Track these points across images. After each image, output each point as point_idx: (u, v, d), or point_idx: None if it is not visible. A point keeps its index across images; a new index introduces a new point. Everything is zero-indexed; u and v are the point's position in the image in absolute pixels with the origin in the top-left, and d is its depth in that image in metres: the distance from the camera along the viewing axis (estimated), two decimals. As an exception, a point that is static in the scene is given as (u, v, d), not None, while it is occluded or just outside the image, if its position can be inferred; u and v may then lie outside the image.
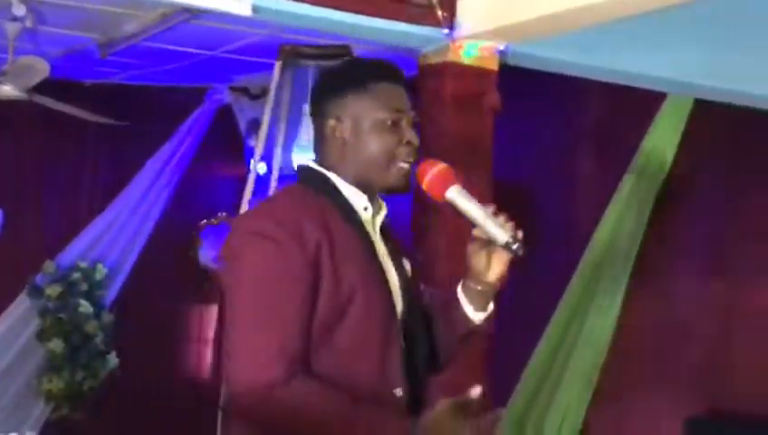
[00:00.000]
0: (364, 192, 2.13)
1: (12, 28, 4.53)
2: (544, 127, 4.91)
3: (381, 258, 2.13)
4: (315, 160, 2.17)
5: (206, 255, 6.27)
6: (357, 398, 1.95)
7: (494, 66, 3.29)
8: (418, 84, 3.35)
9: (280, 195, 2.48)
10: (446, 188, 2.06)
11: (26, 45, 4.84)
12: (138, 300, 6.10)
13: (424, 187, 2.09)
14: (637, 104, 4.33)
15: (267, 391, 1.89)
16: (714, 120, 4.29)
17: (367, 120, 2.11)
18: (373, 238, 2.13)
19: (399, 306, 2.12)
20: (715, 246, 4.55)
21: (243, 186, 5.76)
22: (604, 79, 3.54)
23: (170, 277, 6.29)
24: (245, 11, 2.76)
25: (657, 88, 3.90)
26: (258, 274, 1.98)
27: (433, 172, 2.08)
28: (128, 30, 4.73)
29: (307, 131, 3.64)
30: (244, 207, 3.74)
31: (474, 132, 3.31)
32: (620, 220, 4.50)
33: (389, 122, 2.10)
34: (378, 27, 3.08)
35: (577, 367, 4.52)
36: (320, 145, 2.17)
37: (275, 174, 3.70)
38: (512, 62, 3.35)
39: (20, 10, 4.35)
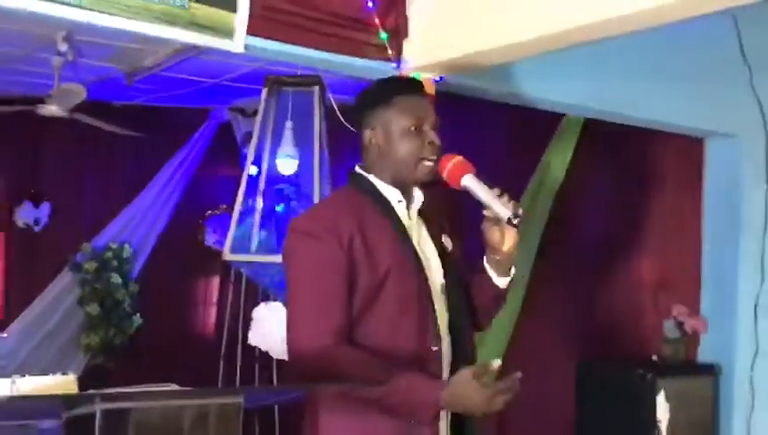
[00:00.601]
0: (398, 187, 2.09)
1: (57, 61, 4.47)
2: (469, 142, 4.89)
3: (417, 240, 2.09)
4: (360, 165, 2.15)
5: (211, 238, 6.22)
6: (393, 363, 1.93)
7: (431, 92, 3.25)
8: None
9: (328, 197, 2.49)
10: (462, 176, 2.03)
11: (68, 74, 4.76)
12: (157, 273, 6.05)
13: (444, 177, 2.05)
14: (540, 123, 4.31)
15: (318, 356, 1.89)
16: (599, 136, 4.29)
17: (395, 128, 2.07)
18: (408, 225, 2.08)
19: (439, 278, 2.09)
20: (601, 236, 4.58)
21: (239, 184, 5.74)
22: (515, 103, 3.51)
23: (182, 255, 6.25)
24: (239, 49, 2.73)
25: (556, 110, 3.88)
26: (307, 266, 1.98)
27: (451, 164, 2.05)
28: (148, 62, 4.67)
29: (288, 142, 3.61)
30: (240, 200, 3.69)
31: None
32: (528, 213, 4.49)
33: (413, 128, 2.07)
34: (341, 62, 3.04)
35: (497, 323, 4.50)
36: (362, 152, 2.15)
37: (264, 175, 3.66)
38: (444, 89, 3.32)
39: (63, 46, 4.29)
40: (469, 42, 2.93)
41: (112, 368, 5.75)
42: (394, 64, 3.10)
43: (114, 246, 5.87)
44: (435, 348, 2.01)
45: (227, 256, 3.63)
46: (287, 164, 3.59)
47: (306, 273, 1.97)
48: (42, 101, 4.78)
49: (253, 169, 3.88)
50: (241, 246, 3.55)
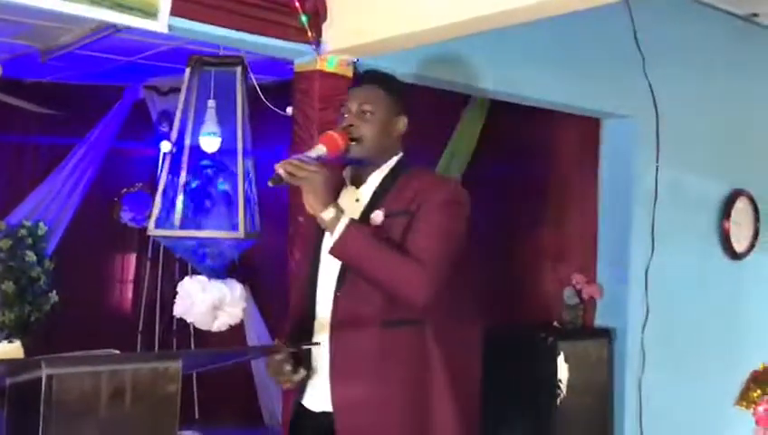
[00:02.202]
0: (358, 169, 2.26)
1: (-31, 38, 4.33)
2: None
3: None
4: None
5: (126, 216, 6.13)
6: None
7: (348, 74, 3.32)
8: (293, 85, 3.36)
9: None
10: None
11: (-20, 52, 4.63)
12: (72, 251, 5.92)
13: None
14: (450, 104, 4.42)
15: None
16: (504, 116, 4.43)
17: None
18: (347, 204, 2.16)
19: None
20: (506, 210, 4.73)
21: (154, 162, 5.68)
22: (427, 84, 3.61)
23: (97, 233, 6.14)
24: (163, 29, 2.74)
25: (463, 91, 4.00)
26: None
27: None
28: (64, 40, 4.56)
29: (211, 120, 3.61)
30: (163, 176, 3.68)
31: (334, 123, 3.31)
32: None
33: (345, 113, 2.25)
34: (263, 43, 3.08)
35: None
36: None
37: (186, 152, 3.66)
38: (361, 70, 3.39)
39: (-21, 22, 4.15)
40: (381, 27, 3.03)
41: (29, 345, 5.62)
42: (314, 47, 3.16)
43: (28, 224, 5.72)
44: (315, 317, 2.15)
45: (152, 231, 3.62)
46: (210, 141, 3.60)
47: None
48: (-47, 78, 4.63)
49: (166, 146, 3.85)
50: (164, 221, 3.55)
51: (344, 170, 2.26)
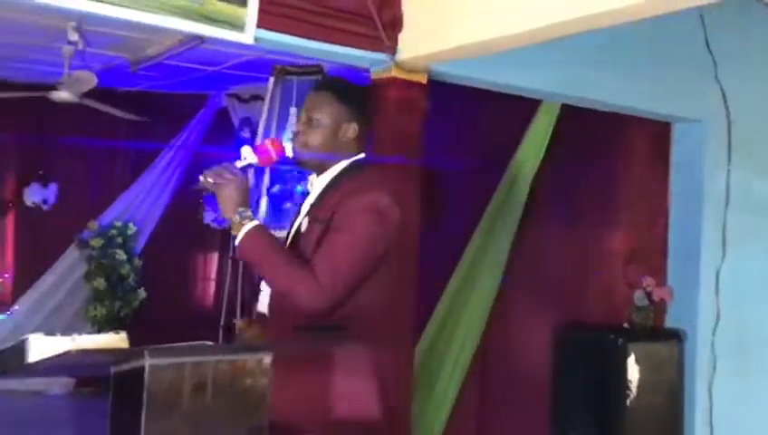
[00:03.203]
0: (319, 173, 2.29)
1: (67, 50, 4.51)
2: (458, 125, 4.98)
3: (300, 213, 2.26)
4: None
5: (209, 216, 6.29)
6: None
7: (423, 81, 3.34)
8: (370, 93, 3.39)
9: None
10: None
11: (76, 62, 4.81)
12: (159, 249, 6.12)
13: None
14: (520, 108, 4.40)
15: None
16: (574, 120, 4.39)
17: None
18: (304, 208, 2.26)
19: None
20: (577, 213, 4.69)
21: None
22: (498, 89, 3.61)
23: (182, 233, 6.32)
24: (250, 40, 2.82)
25: (534, 96, 3.99)
26: None
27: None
28: (152, 51, 4.72)
29: (293, 126, 3.68)
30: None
31: (409, 129, 3.37)
32: (509, 190, 4.58)
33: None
34: (342, 53, 3.13)
35: (479, 296, 4.59)
36: None
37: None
38: (435, 78, 3.42)
39: (74, 36, 4.33)
40: (455, 35, 3.04)
41: (120, 338, 5.82)
42: (390, 55, 3.20)
43: (119, 224, 5.94)
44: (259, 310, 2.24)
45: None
46: (291, 147, 3.67)
47: None
48: (51, 87, 4.82)
49: (247, 152, 3.92)
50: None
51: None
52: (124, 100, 5.76)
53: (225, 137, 6.19)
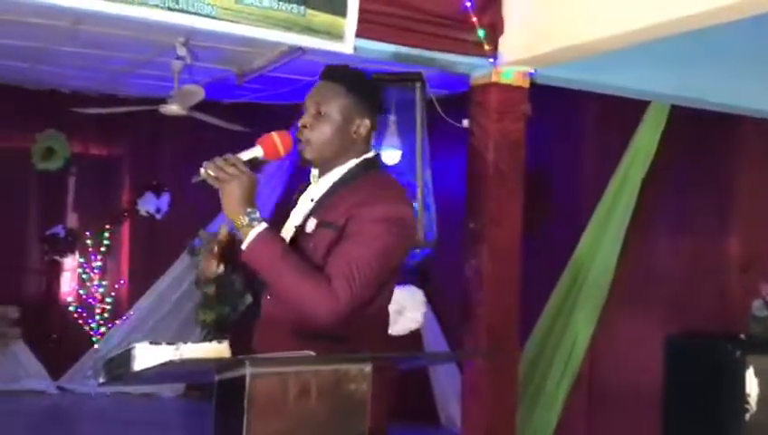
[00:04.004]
0: (319, 167, 2.04)
1: (176, 65, 4.67)
2: (561, 130, 4.87)
3: (297, 209, 2.04)
4: None
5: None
6: None
7: (525, 84, 3.28)
8: (470, 98, 3.36)
9: None
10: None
11: (184, 76, 4.97)
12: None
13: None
14: (628, 109, 4.26)
15: None
16: (685, 122, 4.23)
17: None
18: (301, 206, 2.03)
19: None
20: (688, 218, 4.50)
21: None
22: (603, 92, 3.50)
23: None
24: (349, 50, 2.82)
25: (643, 97, 3.85)
26: None
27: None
28: (257, 64, 4.82)
29: (392, 135, 3.68)
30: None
31: (511, 133, 3.31)
32: (617, 194, 4.44)
33: (303, 111, 2.02)
34: (442, 59, 3.11)
35: (586, 302, 4.49)
36: None
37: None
38: (538, 81, 3.34)
39: (182, 51, 4.48)
40: (558, 38, 2.97)
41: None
42: (490, 60, 3.15)
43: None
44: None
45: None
46: (391, 155, 3.67)
47: None
48: (162, 100, 5.00)
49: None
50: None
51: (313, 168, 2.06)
52: (230, 111, 5.90)
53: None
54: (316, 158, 1.98)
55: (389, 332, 3.42)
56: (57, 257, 6.27)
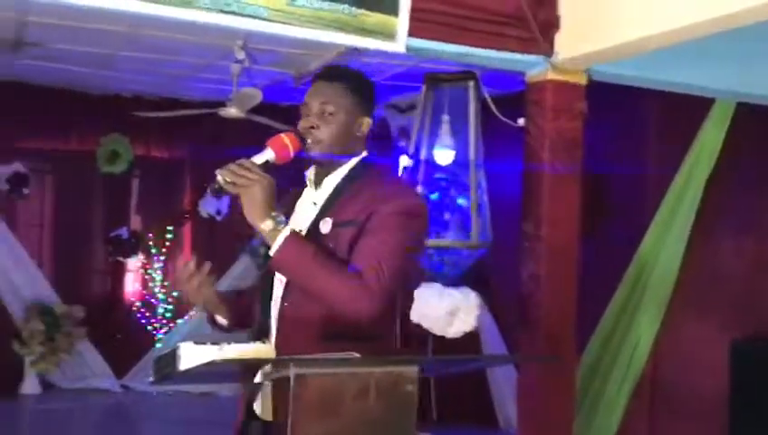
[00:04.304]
0: (318, 167, 2.04)
1: (235, 68, 4.72)
2: (621, 129, 4.77)
3: (296, 219, 2.01)
4: None
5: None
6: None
7: (582, 82, 3.21)
8: (526, 96, 3.31)
9: None
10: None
11: (242, 79, 5.03)
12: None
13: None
14: (691, 107, 4.14)
15: None
16: (751, 119, 4.08)
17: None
18: (301, 206, 2.03)
19: None
20: (755, 219, 4.36)
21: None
22: (665, 89, 3.40)
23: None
24: (401, 49, 2.80)
25: (707, 95, 3.73)
26: None
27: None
28: (314, 65, 4.84)
29: (446, 134, 3.65)
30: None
31: (567, 132, 3.24)
32: (681, 193, 4.33)
33: (303, 111, 2.02)
34: (496, 57, 3.05)
35: (649, 305, 4.38)
36: None
37: (422, 165, 3.74)
38: (595, 78, 3.27)
39: (241, 55, 4.53)
40: (616, 33, 2.88)
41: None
42: (546, 57, 3.09)
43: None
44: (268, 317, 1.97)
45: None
46: (444, 155, 3.65)
47: None
48: (221, 104, 5.06)
49: (406, 160, 3.94)
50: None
51: (307, 171, 2.05)
52: (287, 113, 5.93)
53: (383, 147, 6.26)
54: (324, 158, 1.99)
55: (443, 334, 3.41)
56: (121, 258, 6.43)
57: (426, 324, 3.56)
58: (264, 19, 2.61)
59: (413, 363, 1.59)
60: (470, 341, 4.41)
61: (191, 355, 1.49)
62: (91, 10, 2.52)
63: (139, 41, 4.54)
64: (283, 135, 1.94)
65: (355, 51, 4.08)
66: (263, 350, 1.56)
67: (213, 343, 1.52)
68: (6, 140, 6.06)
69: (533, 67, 3.18)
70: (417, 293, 3.60)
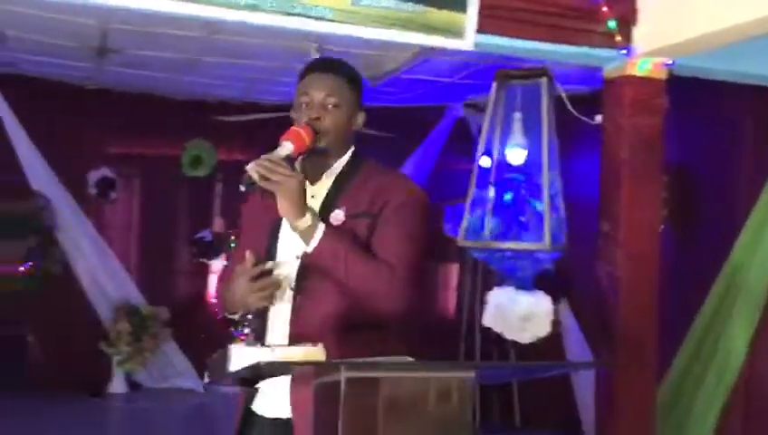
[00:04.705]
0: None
1: (310, 70, 4.76)
2: (708, 123, 4.58)
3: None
4: None
5: (448, 227, 6.31)
6: None
7: (662, 76, 3.10)
8: (603, 93, 3.22)
9: None
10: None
11: (320, 82, 5.05)
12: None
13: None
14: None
15: None
16: None
17: (295, 102, 2.03)
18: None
19: (294, 249, 1.98)
20: None
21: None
22: (750, 83, 3.25)
23: (427, 243, 6.38)
24: (470, 46, 2.77)
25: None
26: None
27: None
28: (389, 67, 4.84)
29: (518, 133, 3.57)
30: (472, 189, 3.73)
31: (647, 129, 3.13)
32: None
33: (303, 104, 1.99)
34: (570, 52, 2.99)
35: (741, 315, 4.18)
36: None
37: (494, 165, 3.68)
38: (677, 72, 3.15)
39: (315, 57, 4.56)
40: (699, 24, 2.78)
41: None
42: (623, 51, 3.00)
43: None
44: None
45: (461, 242, 3.71)
46: (516, 154, 3.57)
47: None
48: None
49: (485, 161, 3.89)
50: (473, 232, 3.60)
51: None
52: (366, 114, 5.96)
53: (464, 146, 6.21)
54: (328, 150, 1.99)
55: (517, 340, 3.34)
56: (204, 260, 6.57)
57: (498, 329, 3.50)
58: (329, 20, 2.63)
59: (468, 370, 1.55)
60: (553, 345, 4.31)
61: (241, 357, 1.50)
62: (165, 16, 2.59)
63: (216, 46, 4.63)
64: (298, 128, 1.94)
65: (431, 50, 4.06)
66: (314, 352, 1.56)
67: (263, 345, 1.53)
68: (95, 145, 6.29)
69: (610, 62, 3.11)
70: (489, 297, 3.55)
